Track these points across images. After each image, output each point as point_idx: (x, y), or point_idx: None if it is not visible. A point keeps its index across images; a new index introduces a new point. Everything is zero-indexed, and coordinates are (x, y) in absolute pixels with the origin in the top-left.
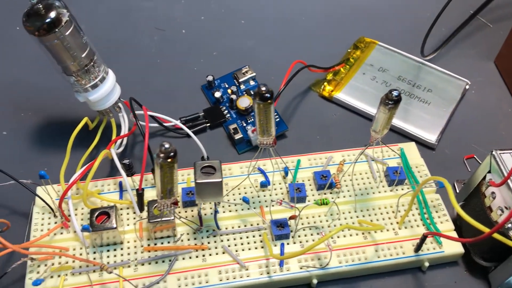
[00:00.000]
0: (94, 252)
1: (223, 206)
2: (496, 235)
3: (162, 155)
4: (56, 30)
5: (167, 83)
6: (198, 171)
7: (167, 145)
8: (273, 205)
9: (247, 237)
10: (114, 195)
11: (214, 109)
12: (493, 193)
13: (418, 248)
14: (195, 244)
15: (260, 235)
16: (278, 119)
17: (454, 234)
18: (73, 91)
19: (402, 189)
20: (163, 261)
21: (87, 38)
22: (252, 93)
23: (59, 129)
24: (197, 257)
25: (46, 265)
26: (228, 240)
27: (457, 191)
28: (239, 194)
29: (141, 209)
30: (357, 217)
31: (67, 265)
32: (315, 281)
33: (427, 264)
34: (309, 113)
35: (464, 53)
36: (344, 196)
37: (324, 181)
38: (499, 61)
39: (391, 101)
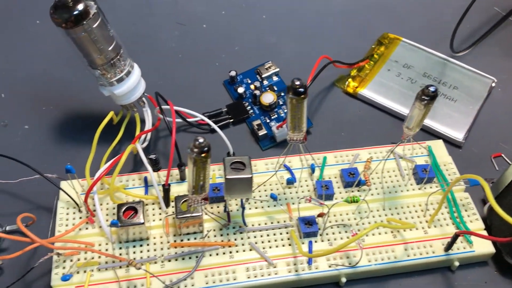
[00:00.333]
0: (120, 248)
1: (249, 203)
2: None
3: (196, 149)
4: (84, 22)
5: (189, 78)
6: (228, 167)
7: (201, 140)
8: (300, 202)
9: (274, 234)
10: (139, 190)
11: (237, 104)
12: None
13: (449, 247)
14: (222, 241)
15: (287, 233)
16: None
17: (485, 234)
18: (98, 85)
19: (431, 187)
20: (190, 258)
21: (114, 31)
22: (276, 88)
23: (80, 123)
24: (224, 253)
25: (71, 261)
26: (255, 237)
27: None
28: (265, 191)
29: (167, 205)
30: (386, 215)
31: (93, 260)
32: (344, 279)
33: (457, 263)
34: (333, 110)
35: (490, 51)
36: (372, 194)
37: (351, 178)
38: None
39: (428, 97)
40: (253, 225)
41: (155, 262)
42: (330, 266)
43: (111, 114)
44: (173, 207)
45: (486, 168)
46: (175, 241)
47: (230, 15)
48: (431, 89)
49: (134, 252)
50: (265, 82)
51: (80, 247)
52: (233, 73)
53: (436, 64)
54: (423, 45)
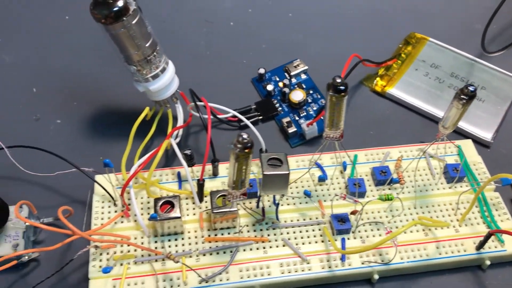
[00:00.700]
0: (155, 242)
1: (281, 199)
2: None
3: (239, 145)
4: (124, 18)
5: (217, 75)
6: (265, 163)
7: (245, 136)
8: (333, 200)
9: (307, 231)
10: (172, 185)
11: (266, 102)
12: None
13: (480, 245)
14: (255, 236)
15: (319, 229)
16: None
17: None
18: (133, 81)
19: (461, 187)
20: (224, 252)
21: (151, 28)
22: (304, 86)
23: (111, 119)
24: (257, 249)
25: (108, 253)
26: (287, 233)
27: None
28: (296, 187)
29: (201, 200)
30: (417, 213)
31: (130, 253)
32: (376, 276)
33: (488, 262)
34: (362, 108)
35: None
36: (403, 193)
37: (383, 176)
38: None
39: (466, 96)
40: (285, 221)
41: (190, 256)
42: (363, 263)
43: (146, 110)
44: (206, 202)
45: None
46: (209, 235)
47: (256, 13)
48: (471, 88)
49: (169, 246)
50: (293, 80)
51: (116, 240)
52: (262, 71)
53: (464, 64)
54: (450, 45)
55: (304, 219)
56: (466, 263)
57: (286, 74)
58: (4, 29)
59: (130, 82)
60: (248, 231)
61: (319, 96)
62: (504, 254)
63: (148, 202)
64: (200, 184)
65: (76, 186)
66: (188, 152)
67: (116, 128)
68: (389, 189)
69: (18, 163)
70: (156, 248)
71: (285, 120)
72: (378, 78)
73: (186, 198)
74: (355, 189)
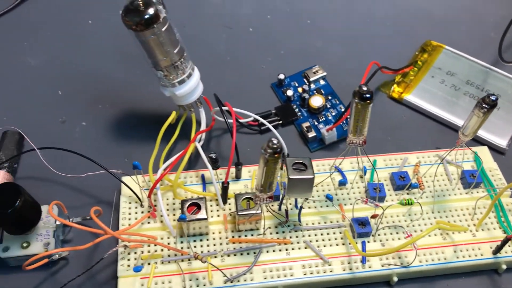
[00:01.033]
0: (181, 242)
1: (304, 202)
2: None
3: (269, 150)
4: (154, 26)
5: (237, 80)
6: (290, 167)
7: (275, 141)
8: (354, 204)
9: (328, 234)
10: (196, 187)
11: (286, 107)
12: None
13: (497, 250)
14: (278, 238)
15: (340, 232)
16: None
17: None
18: (160, 85)
19: (477, 192)
20: (248, 253)
21: (179, 35)
22: (323, 91)
23: (135, 122)
24: (280, 250)
25: (135, 253)
26: (309, 236)
27: None
28: (317, 191)
29: (225, 202)
30: (435, 218)
31: (157, 253)
32: (395, 278)
33: (504, 266)
34: (379, 114)
35: None
36: (421, 198)
37: (402, 181)
38: None
39: (487, 105)
40: (307, 224)
41: (215, 257)
42: (382, 266)
43: (173, 114)
44: (230, 204)
45: None
46: (233, 237)
47: (275, 19)
48: (492, 98)
49: (194, 246)
50: (312, 86)
51: (143, 240)
52: (281, 76)
53: (479, 72)
54: (466, 53)
55: (325, 222)
56: (482, 267)
57: (304, 79)
58: (29, 33)
59: (153, 84)
60: (271, 233)
61: (337, 102)
62: None
63: (174, 204)
64: (225, 187)
65: (102, 187)
66: (213, 155)
67: (139, 131)
68: (408, 194)
69: (48, 164)
70: (182, 248)
71: (305, 125)
72: (395, 85)
73: (210, 200)
74: (375, 193)
